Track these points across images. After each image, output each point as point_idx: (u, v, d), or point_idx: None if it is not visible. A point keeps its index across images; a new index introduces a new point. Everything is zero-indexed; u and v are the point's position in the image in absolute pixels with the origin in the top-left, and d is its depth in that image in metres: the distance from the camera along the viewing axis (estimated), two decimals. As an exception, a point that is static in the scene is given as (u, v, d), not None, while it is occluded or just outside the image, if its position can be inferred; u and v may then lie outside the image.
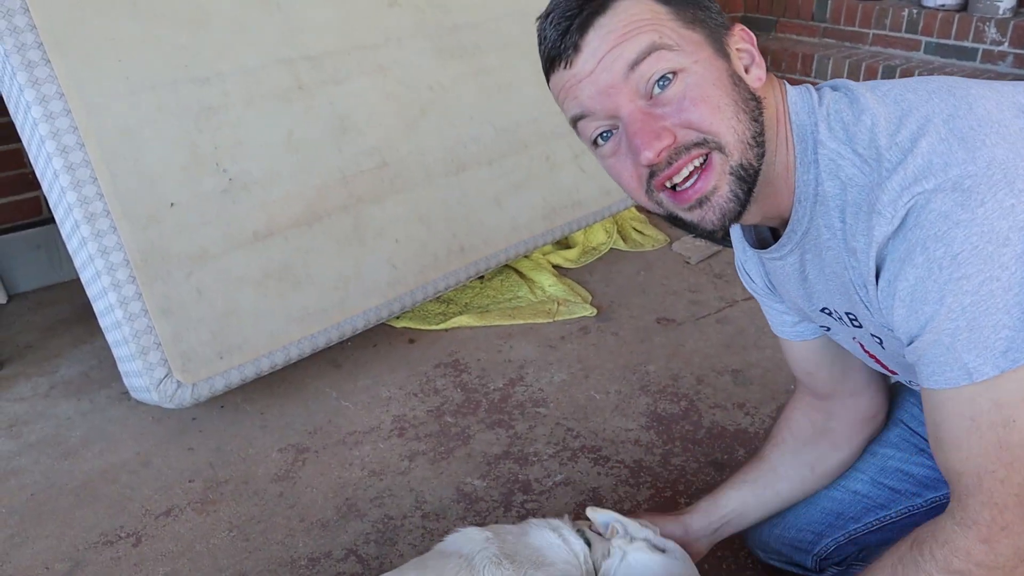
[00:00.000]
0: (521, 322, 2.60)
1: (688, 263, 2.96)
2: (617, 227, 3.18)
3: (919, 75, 3.86)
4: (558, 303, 2.69)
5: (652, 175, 1.03)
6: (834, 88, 1.10)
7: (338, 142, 2.27)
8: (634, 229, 3.21)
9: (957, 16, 3.99)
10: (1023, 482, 0.95)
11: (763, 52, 4.48)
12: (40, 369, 2.45)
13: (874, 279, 1.01)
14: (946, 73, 3.87)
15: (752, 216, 1.11)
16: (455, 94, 2.54)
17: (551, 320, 2.61)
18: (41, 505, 1.92)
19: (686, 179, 1.03)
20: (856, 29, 4.35)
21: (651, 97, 1.01)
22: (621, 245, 3.12)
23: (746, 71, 1.06)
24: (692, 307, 2.68)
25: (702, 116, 1.00)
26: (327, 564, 1.72)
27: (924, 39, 4.12)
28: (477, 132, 2.56)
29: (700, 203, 1.04)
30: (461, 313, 2.64)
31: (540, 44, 1.08)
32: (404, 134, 2.41)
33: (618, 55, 1.01)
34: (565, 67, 1.04)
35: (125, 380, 2.00)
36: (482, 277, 2.83)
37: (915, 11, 4.11)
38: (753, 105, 1.04)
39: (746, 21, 4.84)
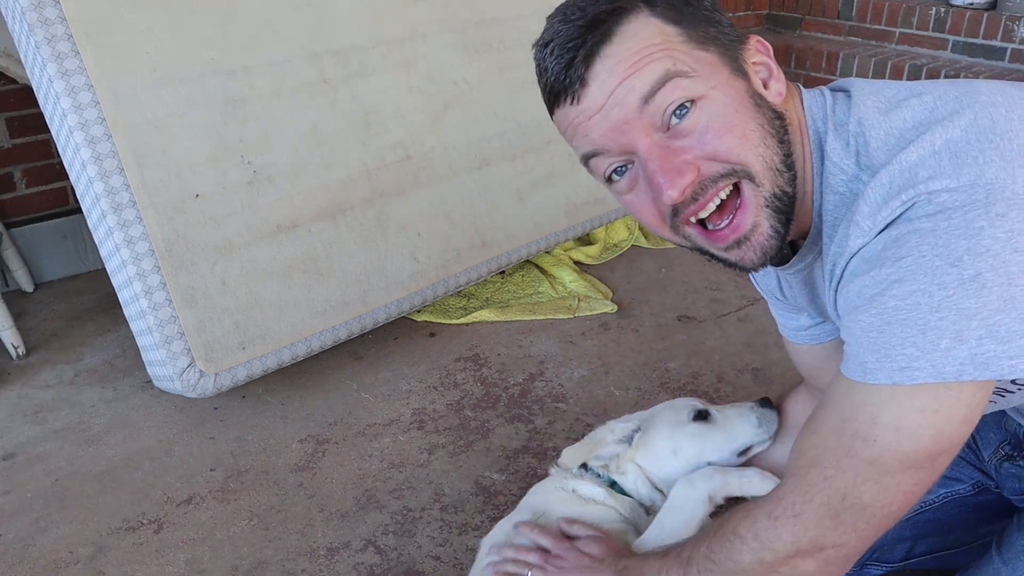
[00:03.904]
0: (542, 317, 2.60)
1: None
2: (639, 224, 3.18)
3: (945, 75, 3.83)
4: (579, 299, 2.69)
5: (676, 212, 0.99)
6: (841, 90, 1.06)
7: (362, 136, 2.28)
8: (656, 226, 3.21)
9: (985, 15, 3.95)
10: (842, 490, 0.94)
11: (787, 50, 4.46)
12: (65, 357, 2.48)
13: (835, 286, 1.00)
14: (973, 73, 3.84)
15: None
16: (480, 89, 2.54)
17: (572, 316, 2.61)
18: (65, 491, 1.94)
19: (719, 215, 0.99)
20: (882, 27, 4.32)
21: (668, 128, 0.95)
22: (642, 242, 3.11)
23: (765, 87, 1.01)
24: (713, 305, 2.67)
25: (728, 147, 0.95)
26: (346, 554, 1.73)
27: (951, 38, 4.08)
28: (501, 128, 2.57)
29: (739, 243, 0.99)
30: (482, 308, 2.64)
31: (540, 76, 1.01)
32: (428, 128, 2.42)
33: (630, 87, 0.94)
34: (572, 103, 0.98)
35: (148, 369, 2.02)
36: (503, 272, 2.83)
37: (942, 9, 4.08)
38: (778, 125, 0.99)
39: (771, 19, 4.82)
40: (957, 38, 4.05)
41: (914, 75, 3.90)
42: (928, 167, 0.89)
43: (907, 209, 0.89)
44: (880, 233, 0.92)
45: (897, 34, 4.27)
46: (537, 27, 1.02)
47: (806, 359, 1.40)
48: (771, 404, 1.42)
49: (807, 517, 0.96)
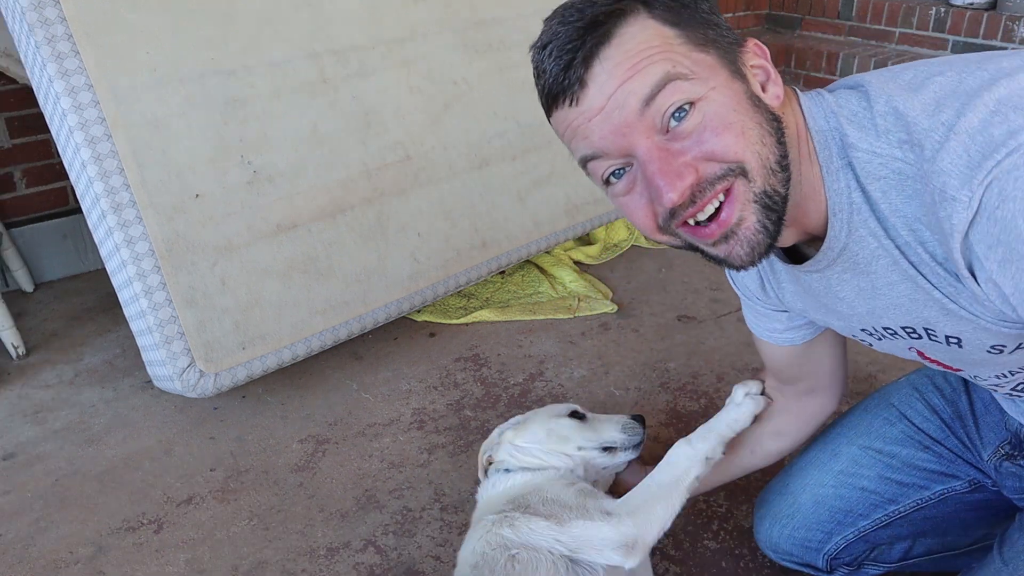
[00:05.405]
0: (542, 317, 2.60)
1: (709, 261, 2.96)
2: (639, 224, 3.18)
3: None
4: (579, 299, 2.69)
5: (673, 215, 0.97)
6: (845, 87, 1.04)
7: (362, 136, 2.28)
8: (656, 226, 3.21)
9: (986, 15, 3.95)
10: None
11: (787, 51, 4.47)
12: (65, 357, 2.48)
13: (967, 272, 0.93)
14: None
15: (783, 242, 1.06)
16: (480, 89, 2.54)
17: (571, 316, 2.61)
18: (65, 491, 1.94)
19: (710, 215, 0.98)
20: (882, 27, 4.32)
21: (667, 131, 0.95)
22: (642, 242, 3.11)
23: (763, 89, 1.00)
24: (713, 305, 2.67)
25: (726, 145, 0.94)
26: (346, 554, 1.73)
27: (951, 38, 4.08)
28: (501, 127, 2.57)
29: (726, 237, 0.98)
30: (482, 308, 2.64)
31: (538, 78, 1.01)
32: (428, 128, 2.42)
33: (630, 90, 0.93)
34: (571, 104, 0.97)
35: (148, 369, 2.02)
36: (503, 272, 2.83)
37: (943, 9, 4.08)
38: (776, 127, 0.98)
39: (771, 19, 4.82)
40: (957, 38, 4.05)
41: (914, 75, 3.89)
42: (999, 125, 0.86)
43: (1007, 167, 0.84)
44: (983, 202, 0.86)
45: (897, 34, 4.27)
46: (537, 27, 1.02)
47: (776, 356, 1.45)
48: (643, 421, 1.64)
49: None
